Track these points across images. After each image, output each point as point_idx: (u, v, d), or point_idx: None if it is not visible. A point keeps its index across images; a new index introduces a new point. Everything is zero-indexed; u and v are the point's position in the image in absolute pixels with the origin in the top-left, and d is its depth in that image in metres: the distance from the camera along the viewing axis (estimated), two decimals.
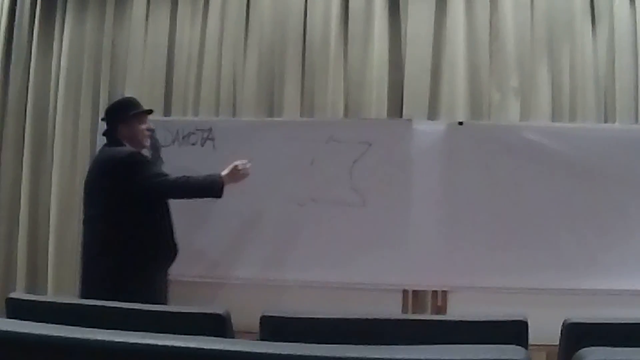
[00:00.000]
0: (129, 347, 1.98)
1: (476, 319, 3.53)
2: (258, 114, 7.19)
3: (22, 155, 7.80)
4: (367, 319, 3.49)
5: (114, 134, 5.38)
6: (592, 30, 7.01)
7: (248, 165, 5.31)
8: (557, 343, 3.39)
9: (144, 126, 5.44)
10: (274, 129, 5.74)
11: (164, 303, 5.12)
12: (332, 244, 5.53)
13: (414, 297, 5.58)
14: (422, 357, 1.88)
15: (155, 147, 5.72)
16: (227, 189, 5.17)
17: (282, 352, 1.89)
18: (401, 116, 6.95)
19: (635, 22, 6.91)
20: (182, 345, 1.95)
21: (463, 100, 7.01)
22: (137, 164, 5.23)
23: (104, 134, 5.47)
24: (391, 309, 5.37)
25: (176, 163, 5.60)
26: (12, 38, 7.88)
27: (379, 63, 7.21)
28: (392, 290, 5.48)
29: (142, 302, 3.59)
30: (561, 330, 3.34)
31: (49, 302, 3.91)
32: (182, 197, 5.26)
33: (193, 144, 5.63)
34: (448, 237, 5.43)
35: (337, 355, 1.88)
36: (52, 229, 7.61)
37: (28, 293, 7.14)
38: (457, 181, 5.45)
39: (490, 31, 7.08)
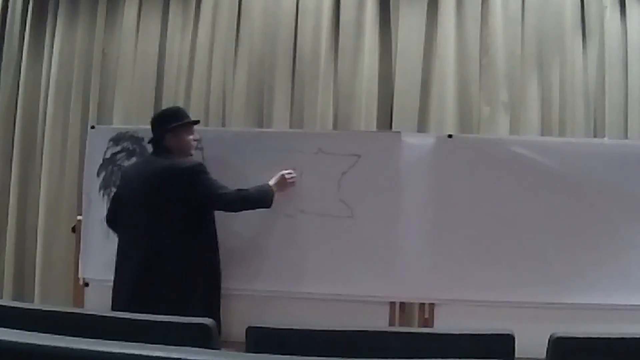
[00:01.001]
0: (113, 357, 1.98)
1: (463, 332, 3.53)
2: (247, 125, 7.21)
3: (11, 163, 7.80)
4: (354, 331, 3.49)
5: (162, 142, 5.34)
6: (583, 45, 7.04)
7: (294, 174, 5.43)
8: (544, 357, 3.38)
9: (191, 136, 5.42)
10: (263, 140, 5.73)
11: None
12: (320, 256, 5.51)
13: (401, 310, 5.57)
14: None
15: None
16: None
17: None
18: (390, 129, 6.97)
19: (626, 38, 6.94)
20: (165, 355, 1.94)
21: (452, 114, 7.03)
22: (203, 174, 5.22)
23: (149, 142, 5.45)
24: (378, 321, 5.35)
25: None
26: (3, 45, 7.88)
27: (368, 76, 7.23)
28: (380, 302, 5.46)
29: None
30: (547, 345, 3.34)
31: (35, 309, 3.90)
32: (242, 209, 5.26)
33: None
34: (436, 250, 5.42)
35: None
36: (39, 236, 7.60)
37: (15, 300, 7.13)
38: (445, 194, 5.44)
39: (481, 46, 7.11)
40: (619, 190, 5.30)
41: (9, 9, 7.88)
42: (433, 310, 5.46)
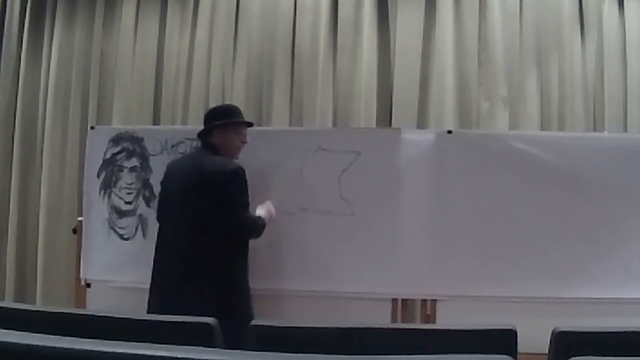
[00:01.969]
0: (116, 357, 1.98)
1: (465, 328, 3.53)
2: None
3: (11, 164, 7.80)
4: (356, 328, 3.49)
5: (208, 138, 5.24)
6: (581, 39, 7.04)
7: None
8: (546, 352, 3.38)
9: (239, 138, 5.31)
10: (262, 138, 5.71)
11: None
12: (321, 253, 5.50)
13: (403, 306, 5.57)
14: None
15: None
16: None
17: None
18: (390, 125, 6.97)
19: (624, 31, 6.94)
20: (168, 355, 1.94)
21: (452, 110, 7.04)
22: (242, 182, 5.11)
23: (198, 135, 5.36)
24: (380, 318, 5.34)
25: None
26: (1, 47, 7.88)
27: (367, 73, 7.23)
28: (381, 299, 5.46)
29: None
30: (550, 339, 3.34)
31: (36, 311, 3.90)
32: (246, 239, 5.20)
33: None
34: (437, 246, 5.41)
35: None
36: (40, 237, 7.61)
37: (16, 302, 7.13)
38: (446, 190, 5.43)
39: (479, 41, 7.11)
40: (619, 184, 5.30)
41: (7, 10, 7.88)
42: (435, 306, 5.46)
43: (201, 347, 2.03)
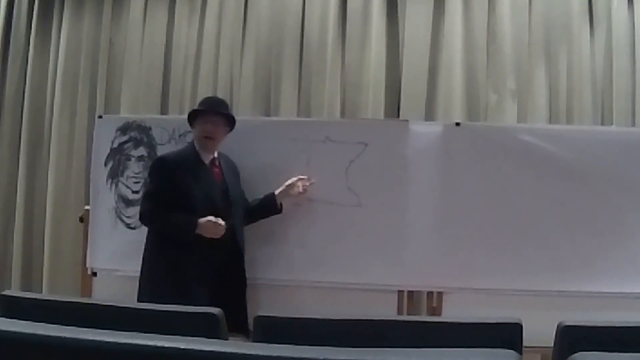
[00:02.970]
0: (120, 347, 1.98)
1: (471, 320, 3.53)
2: (255, 114, 7.21)
3: (19, 153, 7.82)
4: (362, 320, 3.49)
5: None
6: (590, 33, 7.01)
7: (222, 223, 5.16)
8: (552, 345, 3.38)
9: (200, 129, 5.27)
10: (270, 128, 5.72)
11: None
12: (328, 244, 5.50)
13: (409, 298, 5.57)
14: None
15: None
16: None
17: (275, 354, 1.88)
18: (398, 117, 6.96)
19: (634, 25, 6.91)
20: (173, 345, 1.94)
21: (460, 102, 7.02)
22: (150, 175, 5.32)
23: None
24: (386, 310, 5.34)
25: None
26: (10, 36, 7.89)
27: (376, 64, 7.22)
28: (388, 291, 5.45)
29: None
30: (556, 333, 3.34)
31: (42, 299, 3.91)
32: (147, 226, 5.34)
33: (189, 142, 5.60)
34: (444, 238, 5.41)
35: (331, 357, 1.87)
36: (47, 226, 7.62)
37: (23, 290, 7.14)
38: (453, 182, 5.42)
39: (488, 33, 7.09)
40: (627, 178, 5.29)
41: (16, 1, 7.88)
42: (441, 298, 5.46)
43: (205, 338, 2.03)
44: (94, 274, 5.86)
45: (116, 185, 5.80)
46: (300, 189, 5.43)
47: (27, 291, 7.19)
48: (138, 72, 7.63)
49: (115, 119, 6.14)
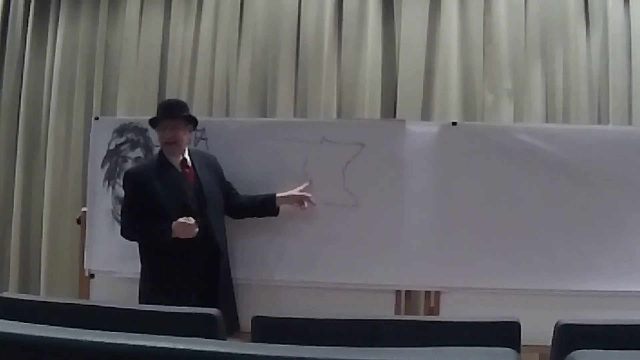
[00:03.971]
0: (118, 348, 1.98)
1: (469, 320, 3.54)
2: (251, 115, 7.21)
3: (15, 155, 7.81)
4: (360, 320, 3.49)
5: None
6: (586, 32, 7.01)
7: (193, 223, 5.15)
8: (550, 344, 3.39)
9: (160, 135, 5.27)
10: (267, 129, 5.72)
11: None
12: (325, 245, 5.50)
13: (407, 298, 5.57)
14: None
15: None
16: None
17: (273, 354, 1.88)
18: (394, 117, 6.96)
19: (629, 24, 6.91)
20: (172, 346, 1.94)
21: (456, 102, 7.03)
22: (123, 186, 5.37)
23: None
24: (384, 310, 5.35)
25: None
26: (6, 38, 7.89)
27: (372, 64, 7.22)
28: (385, 290, 5.46)
29: None
30: (554, 332, 3.35)
31: (39, 301, 3.91)
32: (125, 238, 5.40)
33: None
34: (441, 238, 5.41)
35: (329, 357, 1.87)
36: (45, 228, 7.61)
37: (20, 292, 7.15)
38: (450, 182, 5.43)
39: (484, 33, 7.09)
40: (623, 177, 5.29)
41: (12, 1, 7.88)
42: (439, 298, 5.46)
43: (204, 339, 2.03)
44: (92, 275, 5.86)
45: (113, 187, 5.80)
46: (305, 205, 5.46)
47: (25, 293, 7.21)
48: (134, 74, 7.63)
49: (112, 120, 6.14)
